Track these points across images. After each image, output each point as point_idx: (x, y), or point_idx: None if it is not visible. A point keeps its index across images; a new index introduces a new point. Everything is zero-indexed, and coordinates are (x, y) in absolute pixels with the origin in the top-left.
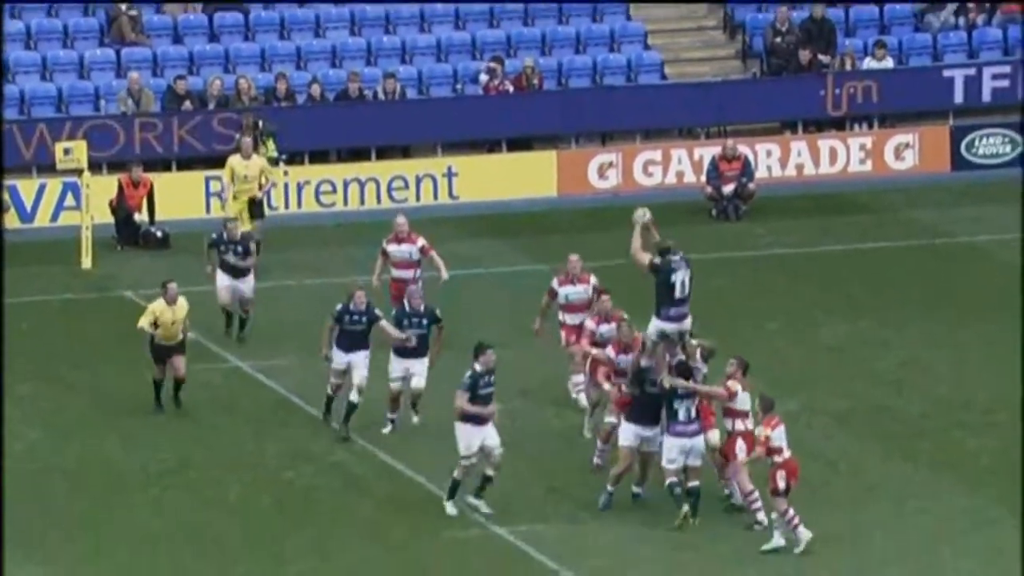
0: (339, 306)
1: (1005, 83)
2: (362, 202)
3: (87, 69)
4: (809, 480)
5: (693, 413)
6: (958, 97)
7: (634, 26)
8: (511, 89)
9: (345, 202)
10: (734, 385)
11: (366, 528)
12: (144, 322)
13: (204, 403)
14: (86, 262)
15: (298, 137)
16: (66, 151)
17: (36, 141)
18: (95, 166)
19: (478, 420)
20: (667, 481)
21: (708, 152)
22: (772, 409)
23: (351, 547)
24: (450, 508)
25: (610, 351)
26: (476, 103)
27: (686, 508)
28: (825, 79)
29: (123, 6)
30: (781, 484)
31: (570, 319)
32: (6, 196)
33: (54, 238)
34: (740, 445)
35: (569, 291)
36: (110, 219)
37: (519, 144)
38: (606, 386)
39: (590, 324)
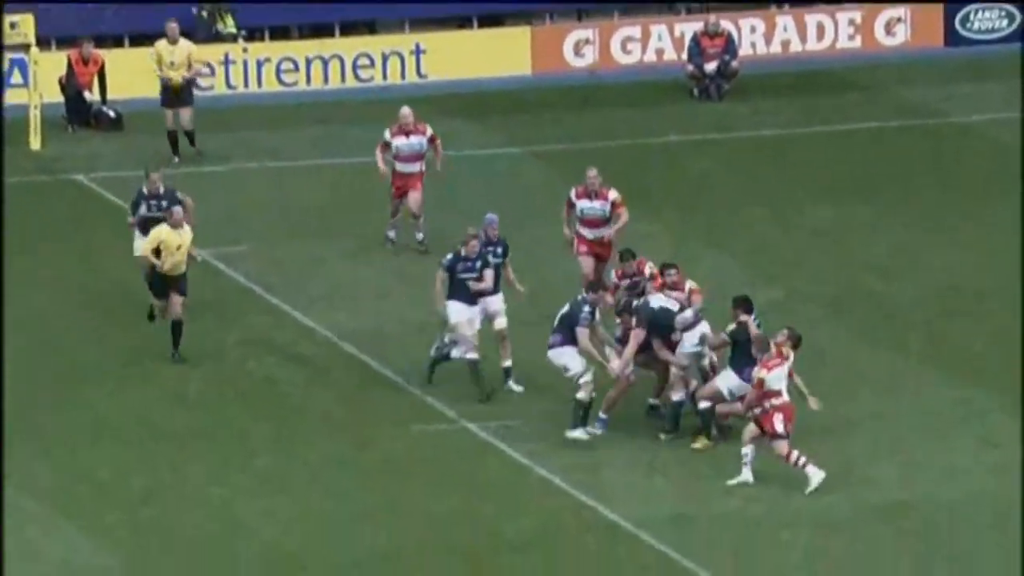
0: (450, 255)
1: None
2: (326, 81)
3: None
4: (794, 370)
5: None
6: None
7: None
8: None
9: (308, 81)
10: (758, 373)
11: (332, 422)
12: (147, 248)
13: None
14: (35, 143)
15: (258, 12)
16: (12, 25)
17: None
18: (43, 42)
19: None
20: (705, 405)
21: (689, 28)
22: (769, 350)
23: (316, 441)
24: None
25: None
26: None
27: (709, 437)
28: None
29: None
30: (780, 427)
31: (586, 232)
32: None
33: None
34: (778, 417)
35: (585, 205)
36: (60, 98)
37: (491, 20)
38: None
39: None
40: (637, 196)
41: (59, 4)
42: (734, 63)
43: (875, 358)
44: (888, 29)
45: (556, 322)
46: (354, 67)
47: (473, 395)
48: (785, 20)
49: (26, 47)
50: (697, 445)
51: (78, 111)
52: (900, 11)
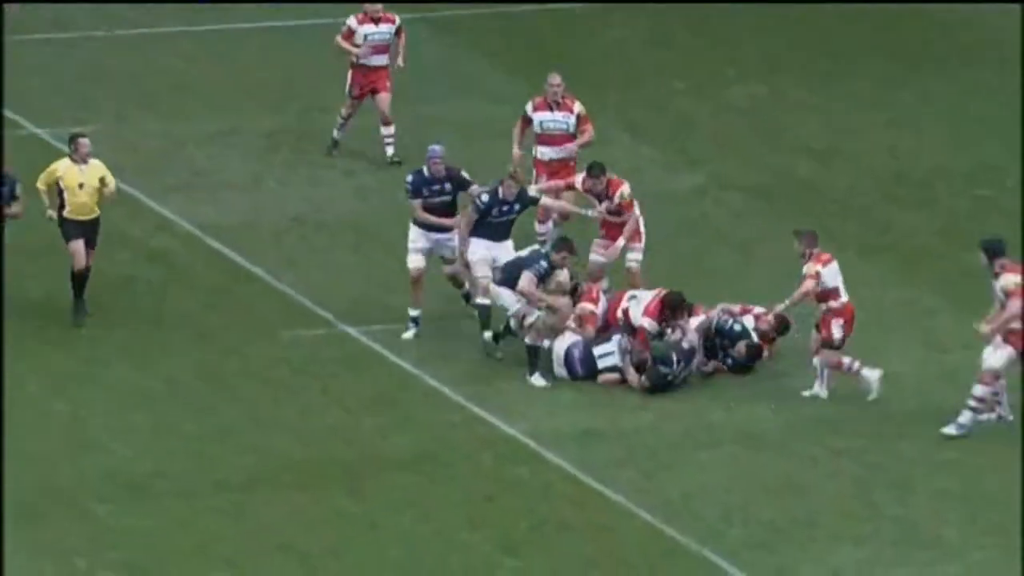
0: (486, 196)
1: None
2: None
3: None
4: (719, 268)
5: None
6: None
7: None
8: None
9: None
10: (812, 267)
11: (193, 327)
12: (43, 182)
13: None
14: None
15: None
16: None
17: None
18: None
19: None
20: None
21: None
22: (817, 244)
23: (175, 348)
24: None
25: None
26: None
27: None
28: None
29: None
30: (837, 333)
31: (546, 152)
32: None
33: None
34: (836, 322)
35: (545, 118)
36: None
37: None
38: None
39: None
40: (538, 68)
41: None
42: None
43: None
44: None
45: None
46: None
47: (357, 298)
48: None
49: None
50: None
51: None
52: None
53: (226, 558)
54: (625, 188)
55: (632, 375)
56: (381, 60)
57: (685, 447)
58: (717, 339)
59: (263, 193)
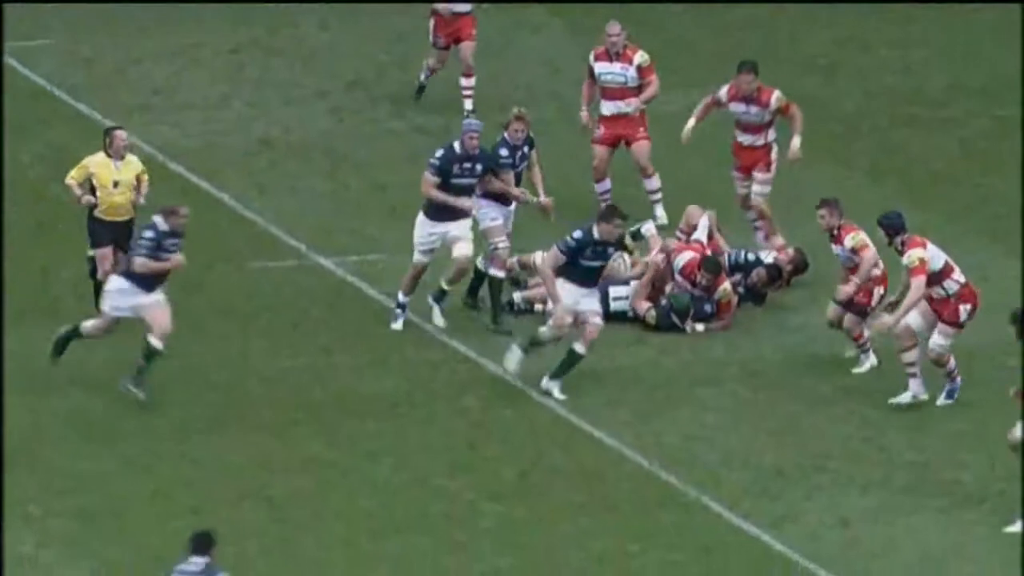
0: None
1: None
2: None
3: None
4: (712, 193)
5: None
6: None
7: None
8: None
9: None
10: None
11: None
12: (74, 177)
13: None
14: None
15: None
16: None
17: None
18: None
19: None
20: None
21: None
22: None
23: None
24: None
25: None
26: None
27: None
28: None
29: None
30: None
31: (606, 108)
32: None
33: None
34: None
35: (604, 69)
36: None
37: None
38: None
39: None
40: None
41: None
42: None
43: (813, 174)
44: None
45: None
46: None
47: (330, 227)
48: None
49: None
50: None
51: None
52: None
53: (189, 505)
54: (778, 92)
55: (642, 304)
56: (465, 7)
57: (683, 384)
58: (736, 275)
59: (229, 113)
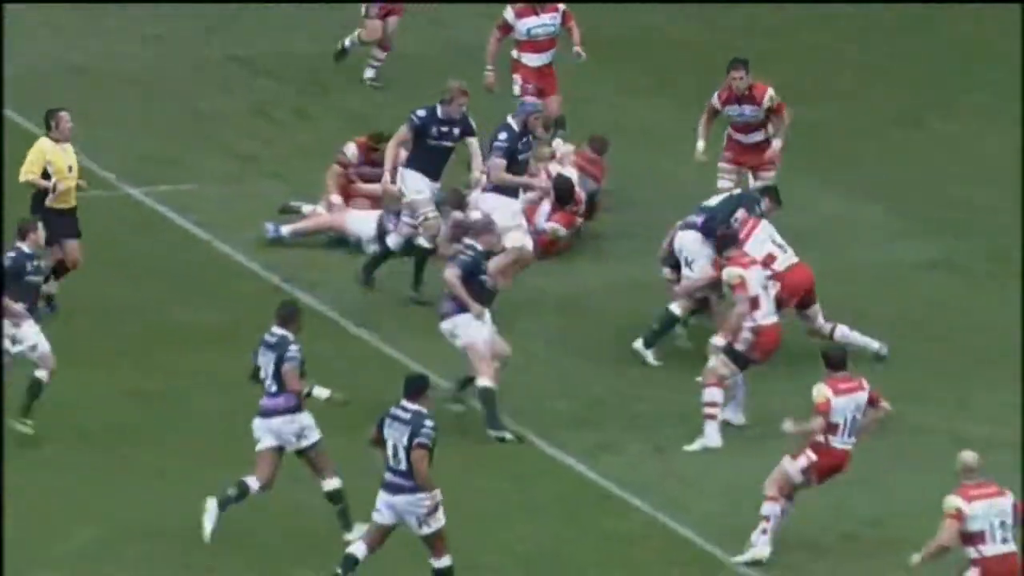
0: (420, 111)
1: None
2: None
3: None
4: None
5: None
6: None
7: None
8: None
9: None
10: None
11: None
12: (32, 170)
13: None
14: None
15: None
16: None
17: None
18: None
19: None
20: None
21: None
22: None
23: None
24: None
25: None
26: None
27: None
28: None
29: None
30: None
31: (530, 59)
32: None
33: None
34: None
35: (531, 24)
36: None
37: None
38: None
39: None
40: None
41: None
42: None
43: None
44: None
45: None
46: None
47: (143, 155)
48: None
49: None
50: None
51: None
52: None
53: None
54: (771, 91)
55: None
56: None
57: (503, 314)
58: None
59: (38, 42)
